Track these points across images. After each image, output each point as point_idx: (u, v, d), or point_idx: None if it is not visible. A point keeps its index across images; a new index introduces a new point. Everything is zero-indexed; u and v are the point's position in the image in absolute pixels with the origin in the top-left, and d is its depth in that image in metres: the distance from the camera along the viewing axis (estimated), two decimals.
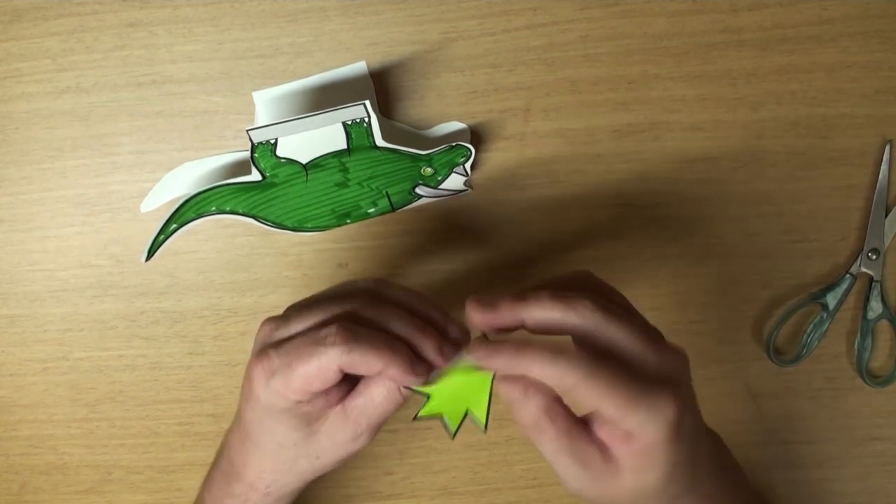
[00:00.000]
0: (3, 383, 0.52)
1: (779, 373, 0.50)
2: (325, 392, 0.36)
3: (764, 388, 0.51)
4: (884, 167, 0.48)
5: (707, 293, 0.50)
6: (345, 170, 0.45)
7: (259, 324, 0.38)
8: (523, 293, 0.35)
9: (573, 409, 0.35)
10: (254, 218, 0.46)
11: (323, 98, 0.47)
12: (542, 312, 0.34)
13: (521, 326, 0.35)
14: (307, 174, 0.45)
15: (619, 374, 0.33)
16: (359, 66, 0.47)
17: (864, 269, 0.49)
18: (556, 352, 0.33)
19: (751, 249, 0.49)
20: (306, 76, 0.47)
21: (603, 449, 0.35)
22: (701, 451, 0.37)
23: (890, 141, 0.48)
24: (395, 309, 0.37)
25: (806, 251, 0.49)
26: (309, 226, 0.48)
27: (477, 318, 0.35)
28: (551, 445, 0.35)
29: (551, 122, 0.48)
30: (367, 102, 0.42)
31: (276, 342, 0.36)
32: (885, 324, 0.50)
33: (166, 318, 0.51)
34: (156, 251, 0.46)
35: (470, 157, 0.45)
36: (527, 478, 0.52)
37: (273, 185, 0.45)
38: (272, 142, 0.43)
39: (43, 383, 0.52)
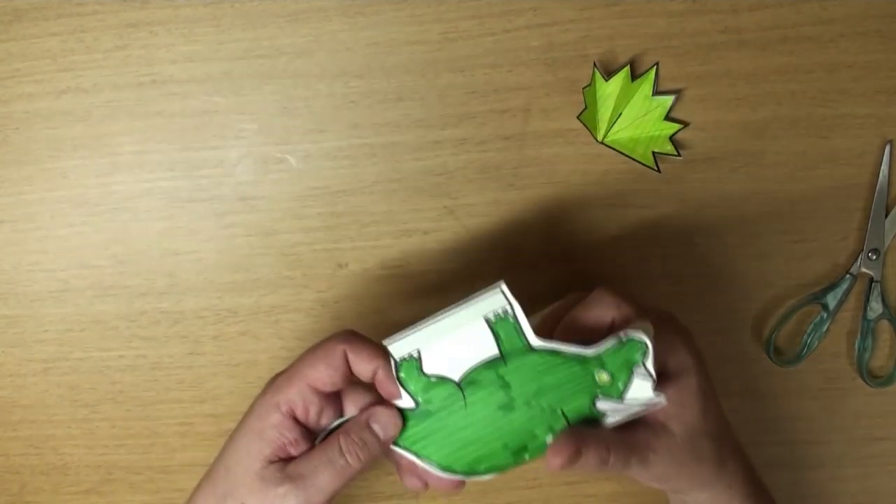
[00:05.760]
0: (3, 383, 0.52)
1: (779, 373, 0.50)
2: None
3: (764, 388, 0.51)
4: (884, 167, 0.48)
5: (707, 293, 0.50)
6: (506, 385, 0.39)
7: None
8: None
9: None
10: (416, 455, 0.40)
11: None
12: None
13: None
14: (464, 395, 0.40)
15: (638, 303, 0.41)
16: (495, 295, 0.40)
17: (864, 270, 0.49)
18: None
19: (751, 249, 0.49)
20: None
21: (647, 429, 0.40)
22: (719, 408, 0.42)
23: (890, 141, 0.48)
24: None
25: (806, 251, 0.49)
26: (482, 468, 0.40)
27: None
28: (623, 464, 0.39)
29: (551, 122, 0.48)
30: (503, 283, 0.39)
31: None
32: (885, 324, 0.50)
33: (166, 319, 0.51)
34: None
35: (648, 352, 0.38)
36: (527, 478, 0.52)
37: (429, 413, 0.40)
38: (416, 356, 0.40)
39: (43, 383, 0.52)
